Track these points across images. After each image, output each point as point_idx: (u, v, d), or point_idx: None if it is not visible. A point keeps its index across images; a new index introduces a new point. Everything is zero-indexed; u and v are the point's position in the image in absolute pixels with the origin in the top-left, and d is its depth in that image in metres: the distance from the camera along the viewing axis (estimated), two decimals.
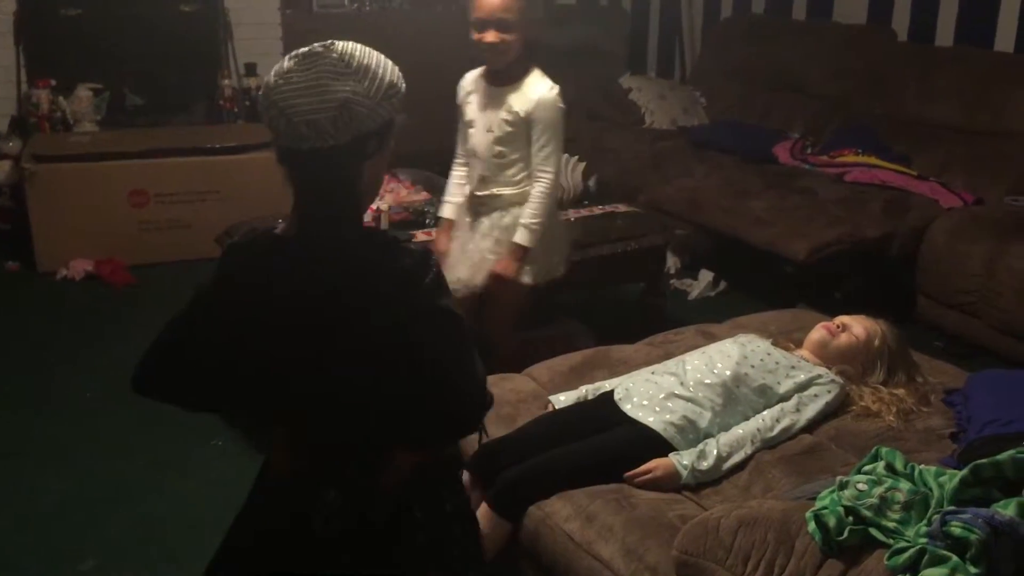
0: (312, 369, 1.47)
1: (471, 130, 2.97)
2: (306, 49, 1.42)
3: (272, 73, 1.42)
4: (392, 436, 1.49)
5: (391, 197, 3.67)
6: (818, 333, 2.54)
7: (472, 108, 2.99)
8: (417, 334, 1.41)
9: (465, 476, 2.23)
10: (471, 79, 3.04)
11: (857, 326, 2.53)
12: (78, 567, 2.61)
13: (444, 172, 3.97)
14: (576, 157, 4.03)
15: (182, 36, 5.47)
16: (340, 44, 1.42)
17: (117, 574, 2.59)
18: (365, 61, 1.41)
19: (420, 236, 3.40)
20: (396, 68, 1.47)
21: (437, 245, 3.05)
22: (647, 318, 3.70)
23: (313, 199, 1.44)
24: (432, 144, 4.63)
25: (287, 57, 1.42)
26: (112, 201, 4.73)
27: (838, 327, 2.54)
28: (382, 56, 1.46)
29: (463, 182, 3.06)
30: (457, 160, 3.08)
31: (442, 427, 1.50)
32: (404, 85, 1.47)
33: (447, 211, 3.10)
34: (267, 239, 1.49)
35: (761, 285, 4.35)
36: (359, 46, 1.44)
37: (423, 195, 3.77)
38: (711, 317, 3.18)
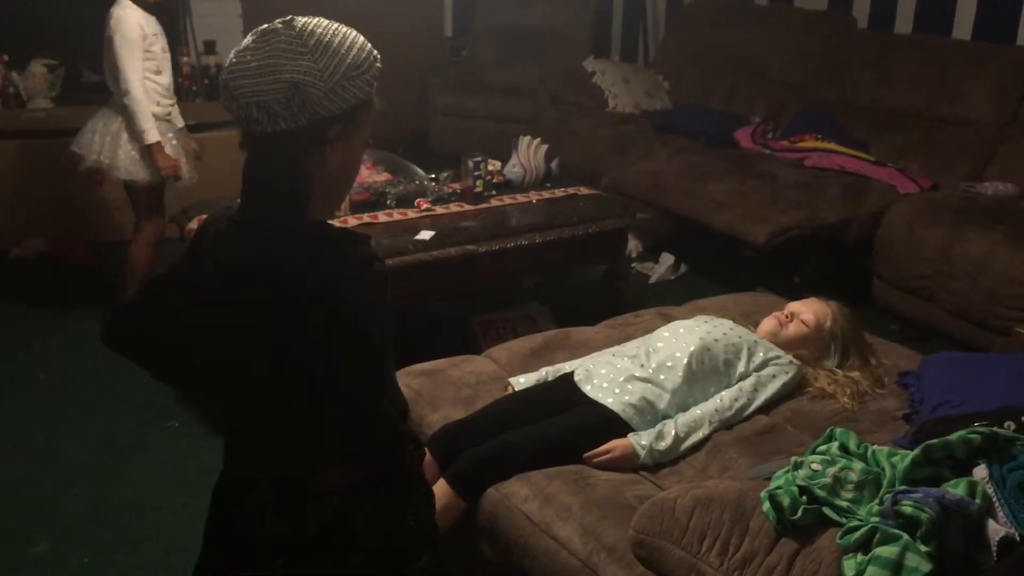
0: (244, 359, 1.41)
1: (164, 59, 3.62)
2: (266, 26, 1.33)
3: (232, 52, 1.34)
4: (316, 442, 1.41)
5: None
6: (768, 324, 2.57)
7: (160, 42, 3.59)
8: (335, 346, 1.34)
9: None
10: (146, 18, 3.54)
11: (807, 313, 2.55)
12: (31, 550, 2.58)
13: (405, 153, 3.94)
14: (539, 139, 4.02)
15: None
16: (301, 21, 1.33)
17: (70, 557, 2.56)
18: (326, 39, 1.31)
19: None
20: (368, 47, 1.36)
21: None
22: (608, 300, 3.71)
23: (259, 184, 1.36)
24: (393, 124, 4.60)
25: (250, 34, 1.34)
26: (68, 179, 4.64)
27: (787, 317, 2.56)
28: (352, 33, 1.36)
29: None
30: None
31: (359, 443, 1.43)
32: (378, 65, 1.37)
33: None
34: (223, 220, 1.43)
35: (721, 268, 4.38)
36: (324, 22, 1.34)
37: (384, 176, 3.73)
38: (672, 300, 3.20)
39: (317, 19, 1.35)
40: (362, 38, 1.37)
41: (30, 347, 3.70)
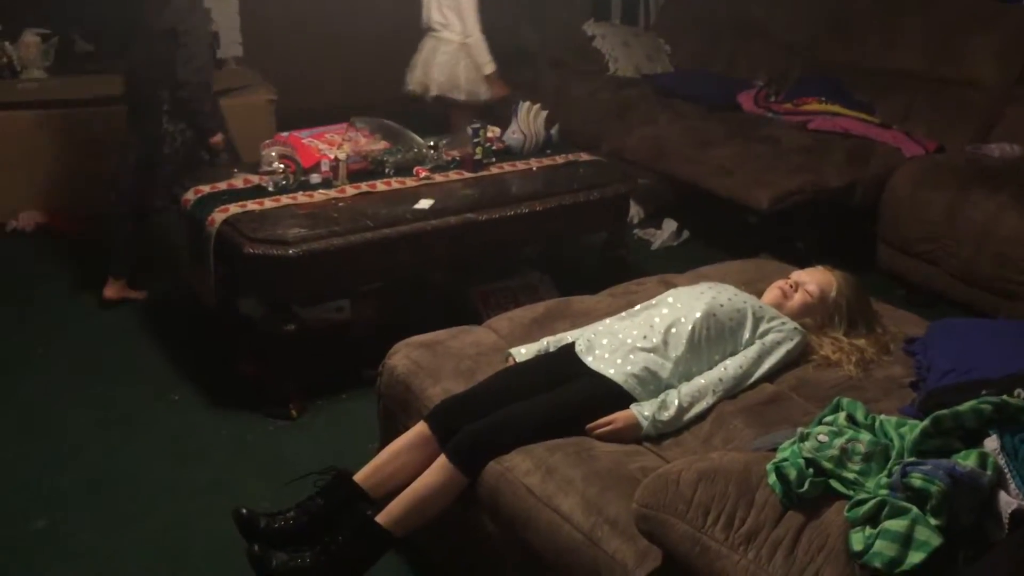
0: None
1: None
2: None
3: None
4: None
5: (349, 146, 3.58)
6: (772, 293, 2.52)
7: None
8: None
9: (423, 428, 2.21)
10: None
11: (811, 283, 2.51)
12: (29, 526, 2.56)
13: (401, 120, 3.87)
14: (538, 105, 3.96)
15: None
16: None
17: (70, 533, 2.54)
18: None
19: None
20: None
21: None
22: (610, 268, 3.67)
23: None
24: (392, 88, 4.54)
25: None
26: (63, 150, 4.60)
27: (791, 286, 2.52)
28: None
29: None
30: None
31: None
32: None
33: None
34: None
35: (724, 234, 4.34)
36: None
37: (382, 144, 3.68)
38: (674, 267, 3.16)
39: None
40: None
41: (28, 322, 3.67)
